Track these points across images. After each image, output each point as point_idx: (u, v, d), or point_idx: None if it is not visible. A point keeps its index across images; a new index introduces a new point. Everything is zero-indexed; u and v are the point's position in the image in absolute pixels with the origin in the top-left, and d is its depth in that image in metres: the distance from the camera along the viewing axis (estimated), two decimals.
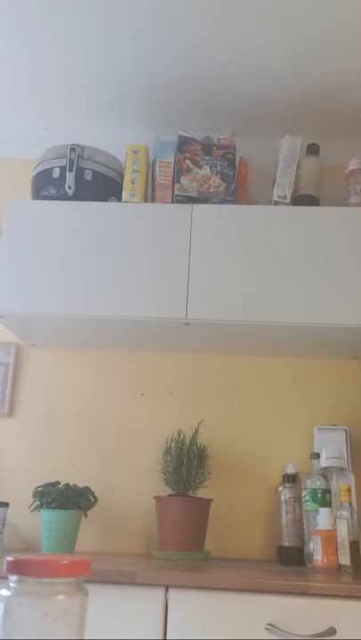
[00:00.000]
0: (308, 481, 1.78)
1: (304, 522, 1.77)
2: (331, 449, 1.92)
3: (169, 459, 1.92)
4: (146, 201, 2.03)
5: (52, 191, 2.01)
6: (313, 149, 2.10)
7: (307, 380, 2.16)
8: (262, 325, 1.85)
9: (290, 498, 1.83)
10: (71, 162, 1.99)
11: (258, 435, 2.11)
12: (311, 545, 1.70)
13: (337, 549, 1.63)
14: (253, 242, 1.91)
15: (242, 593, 1.39)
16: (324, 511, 1.68)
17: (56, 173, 2.00)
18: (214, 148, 2.02)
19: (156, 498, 1.86)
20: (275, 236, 1.92)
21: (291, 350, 2.10)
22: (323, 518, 1.67)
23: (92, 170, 2.01)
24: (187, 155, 1.99)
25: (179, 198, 1.95)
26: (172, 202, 1.96)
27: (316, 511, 1.72)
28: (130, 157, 2.01)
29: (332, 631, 1.34)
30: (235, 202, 1.99)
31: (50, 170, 2.02)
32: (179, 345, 2.11)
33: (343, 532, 1.63)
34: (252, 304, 1.85)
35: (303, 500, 1.78)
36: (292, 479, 1.86)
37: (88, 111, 2.27)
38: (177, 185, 1.96)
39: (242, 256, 1.90)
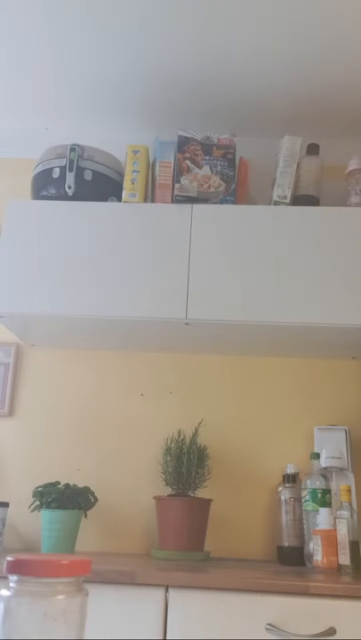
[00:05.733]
0: (308, 481, 1.78)
1: (304, 522, 1.77)
2: (331, 449, 1.93)
3: (169, 459, 1.92)
4: (146, 201, 2.03)
5: (52, 191, 2.01)
6: (313, 149, 2.10)
7: (307, 380, 2.16)
8: (262, 325, 1.85)
9: (290, 498, 1.83)
10: (71, 162, 1.99)
11: (258, 435, 2.11)
12: (311, 545, 1.70)
13: (337, 549, 1.63)
14: (253, 242, 1.91)
15: (242, 593, 1.39)
16: (324, 511, 1.68)
17: (56, 173, 2.00)
18: (214, 147, 2.02)
19: (156, 498, 1.86)
20: (275, 236, 1.91)
21: (291, 350, 2.10)
22: (323, 518, 1.67)
23: (91, 170, 2.01)
24: (187, 155, 1.99)
25: (179, 198, 1.95)
26: (172, 202, 1.96)
27: (316, 511, 1.72)
28: (130, 157, 2.01)
29: (332, 631, 1.34)
30: (235, 202, 1.99)
31: (50, 170, 2.02)
32: (179, 345, 2.11)
33: (343, 532, 1.63)
34: (252, 304, 1.85)
35: (303, 500, 1.78)
36: (292, 479, 1.86)
37: (88, 111, 2.27)
38: (177, 185, 1.96)
39: (242, 256, 1.90)
